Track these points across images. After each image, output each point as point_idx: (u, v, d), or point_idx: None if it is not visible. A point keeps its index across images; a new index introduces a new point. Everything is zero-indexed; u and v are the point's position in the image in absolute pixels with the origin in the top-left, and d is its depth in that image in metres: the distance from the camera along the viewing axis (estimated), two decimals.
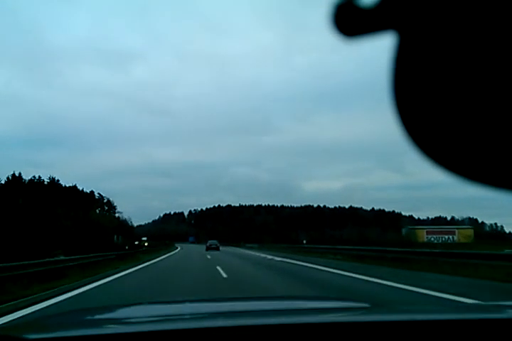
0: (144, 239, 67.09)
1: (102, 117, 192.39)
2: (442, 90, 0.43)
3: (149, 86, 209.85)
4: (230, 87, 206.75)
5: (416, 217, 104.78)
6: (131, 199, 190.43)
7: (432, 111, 0.45)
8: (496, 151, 0.45)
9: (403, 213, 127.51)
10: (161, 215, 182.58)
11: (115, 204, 78.53)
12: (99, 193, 77.80)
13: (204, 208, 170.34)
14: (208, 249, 44.16)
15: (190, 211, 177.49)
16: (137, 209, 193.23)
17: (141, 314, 1.87)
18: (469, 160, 0.46)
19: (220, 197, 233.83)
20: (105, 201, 72.53)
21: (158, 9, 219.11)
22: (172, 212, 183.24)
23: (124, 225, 67.62)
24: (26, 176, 61.27)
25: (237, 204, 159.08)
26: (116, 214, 76.41)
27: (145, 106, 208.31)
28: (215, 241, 47.89)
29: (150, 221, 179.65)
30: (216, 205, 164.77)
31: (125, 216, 80.00)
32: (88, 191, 72.08)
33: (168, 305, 2.48)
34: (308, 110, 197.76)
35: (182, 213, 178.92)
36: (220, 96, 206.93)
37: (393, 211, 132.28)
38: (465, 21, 0.40)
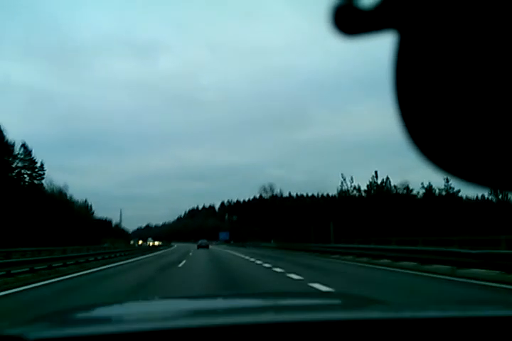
0: None
1: (132, 117, 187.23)
2: (442, 90, 0.43)
3: (178, 79, 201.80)
4: (262, 78, 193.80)
5: None
6: (157, 200, 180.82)
7: (432, 111, 0.44)
8: (497, 153, 0.44)
9: None
10: (187, 211, 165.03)
11: (37, 157, 43.46)
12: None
13: (241, 200, 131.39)
14: (199, 247, 50.26)
15: (222, 203, 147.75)
16: (165, 209, 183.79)
17: (145, 311, 1.93)
18: (470, 162, 0.46)
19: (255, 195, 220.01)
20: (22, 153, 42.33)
21: None
22: (200, 207, 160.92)
23: (41, 198, 34.56)
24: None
25: (287, 194, 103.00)
26: (45, 183, 42.89)
27: (175, 102, 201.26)
28: (204, 241, 56.87)
29: (175, 218, 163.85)
30: (257, 196, 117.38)
31: (58, 184, 46.47)
32: None
33: (173, 301, 2.46)
34: (346, 100, 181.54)
35: (213, 207, 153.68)
36: (252, 88, 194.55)
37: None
38: (465, 21, 0.40)
